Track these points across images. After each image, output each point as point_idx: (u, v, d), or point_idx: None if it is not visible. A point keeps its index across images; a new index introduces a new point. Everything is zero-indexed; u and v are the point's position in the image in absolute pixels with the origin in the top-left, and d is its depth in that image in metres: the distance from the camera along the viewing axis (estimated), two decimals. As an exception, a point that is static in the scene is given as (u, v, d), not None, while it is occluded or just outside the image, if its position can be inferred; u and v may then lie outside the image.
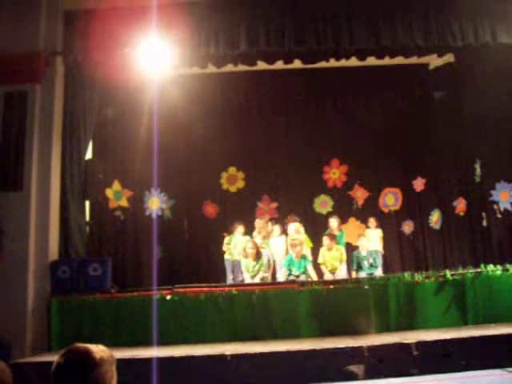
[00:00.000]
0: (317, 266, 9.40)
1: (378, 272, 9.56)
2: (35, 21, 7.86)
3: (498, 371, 5.63)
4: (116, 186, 10.05)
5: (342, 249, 9.57)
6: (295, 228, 9.88)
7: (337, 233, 10.21)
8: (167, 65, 8.52)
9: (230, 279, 10.02)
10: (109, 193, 9.78)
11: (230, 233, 10.55)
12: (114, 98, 9.73)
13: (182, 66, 8.93)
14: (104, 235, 9.59)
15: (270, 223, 10.66)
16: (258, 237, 9.95)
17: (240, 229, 10.20)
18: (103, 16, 7.77)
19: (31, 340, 6.93)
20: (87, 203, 8.73)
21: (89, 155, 8.71)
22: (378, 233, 10.96)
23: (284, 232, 10.51)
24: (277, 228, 10.35)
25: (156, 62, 8.34)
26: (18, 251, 7.15)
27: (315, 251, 9.85)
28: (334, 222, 10.34)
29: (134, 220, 10.46)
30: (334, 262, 9.25)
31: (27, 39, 7.72)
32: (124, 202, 10.12)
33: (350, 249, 10.44)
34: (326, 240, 9.39)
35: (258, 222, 10.34)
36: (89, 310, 7.17)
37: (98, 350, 1.72)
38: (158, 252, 10.44)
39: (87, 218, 8.76)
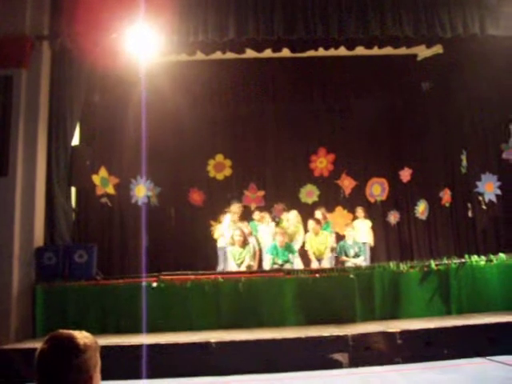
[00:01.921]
0: (304, 253, 9.48)
1: (365, 261, 9.65)
2: (21, 4, 7.73)
3: (479, 359, 5.72)
4: (103, 172, 9.99)
5: (328, 234, 9.63)
6: (296, 216, 9.94)
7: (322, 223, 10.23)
8: (155, 51, 8.45)
9: (221, 267, 9.99)
10: (95, 179, 9.73)
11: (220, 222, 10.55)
12: (102, 83, 9.63)
13: (169, 53, 8.88)
14: (90, 222, 9.54)
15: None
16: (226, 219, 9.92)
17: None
18: (91, 1, 7.67)
19: (16, 326, 6.89)
20: (73, 190, 8.66)
21: (75, 141, 8.64)
22: (367, 223, 11.00)
23: (273, 220, 10.56)
24: (267, 216, 10.37)
25: (144, 49, 8.28)
26: (3, 237, 7.10)
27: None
28: (318, 215, 10.36)
29: (121, 207, 10.43)
30: (320, 248, 9.32)
31: (13, 23, 7.61)
32: (110, 189, 10.08)
33: (338, 238, 10.47)
34: (311, 224, 9.45)
35: (235, 206, 10.29)
36: (74, 296, 7.14)
37: (82, 336, 1.72)
38: (144, 239, 10.41)
39: (73, 204, 8.70)
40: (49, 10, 8.01)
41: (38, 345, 1.70)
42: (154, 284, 7.17)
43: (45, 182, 7.71)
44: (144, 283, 7.15)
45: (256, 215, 10.61)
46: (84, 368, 1.66)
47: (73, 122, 8.24)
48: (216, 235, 10.47)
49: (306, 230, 9.84)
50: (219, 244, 10.26)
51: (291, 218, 9.95)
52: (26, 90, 7.59)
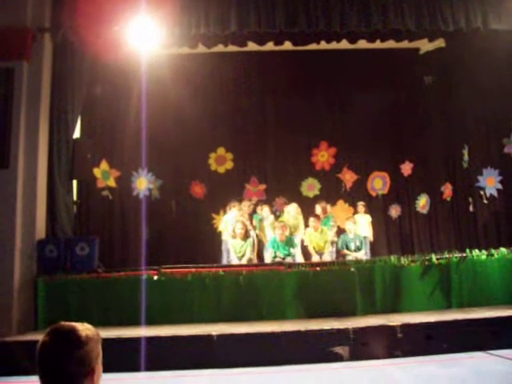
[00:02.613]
0: (304, 247, 9.49)
1: (365, 255, 9.65)
2: (23, -4, 7.72)
3: (479, 354, 5.73)
4: (104, 165, 10.00)
5: (326, 230, 9.64)
6: (295, 209, 9.94)
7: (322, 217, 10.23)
8: (157, 44, 8.44)
9: (225, 260, 10.00)
10: (97, 172, 9.74)
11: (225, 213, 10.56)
12: (103, 76, 9.64)
13: (171, 46, 8.87)
14: (91, 215, 9.56)
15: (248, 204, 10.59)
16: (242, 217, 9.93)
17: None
18: (92, -8, 7.65)
19: (17, 319, 6.92)
20: (75, 182, 8.67)
21: (77, 134, 8.64)
22: (367, 218, 11.01)
23: (273, 213, 10.55)
24: (266, 210, 10.37)
25: (146, 42, 8.27)
26: (5, 230, 7.10)
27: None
28: (318, 209, 10.36)
29: (122, 200, 10.45)
30: (320, 243, 9.34)
31: (14, 15, 7.58)
32: (112, 182, 10.09)
33: (339, 232, 10.47)
34: (312, 221, 9.47)
35: (245, 204, 10.31)
36: (75, 289, 7.15)
37: (84, 328, 1.72)
38: (145, 232, 10.43)
39: (74, 197, 8.71)
40: (50, 2, 7.99)
41: (39, 337, 1.71)
42: (155, 277, 7.18)
43: (46, 175, 7.72)
44: (145, 276, 7.16)
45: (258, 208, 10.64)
46: (86, 360, 1.66)
47: (74, 115, 8.23)
48: (220, 228, 10.49)
49: (306, 224, 9.85)
50: (223, 237, 10.27)
51: (291, 210, 9.96)
52: (27, 82, 7.57)
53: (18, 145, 7.34)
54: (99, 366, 1.74)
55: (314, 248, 9.36)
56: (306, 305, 7.16)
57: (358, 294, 7.19)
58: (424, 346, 5.86)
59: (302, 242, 9.69)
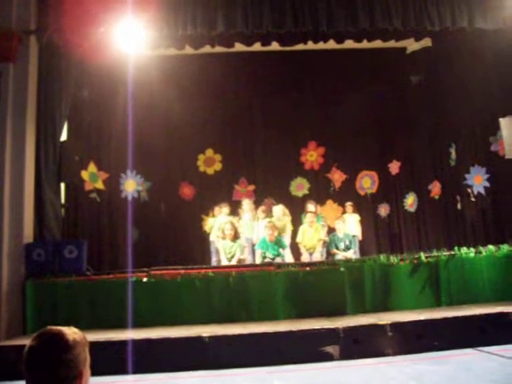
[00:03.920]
0: (295, 246, 9.50)
1: (354, 254, 9.68)
2: (7, -2, 7.66)
3: (469, 350, 5.76)
4: (91, 168, 9.94)
5: (320, 227, 9.66)
6: (281, 210, 9.93)
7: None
8: (143, 45, 8.42)
9: (213, 261, 9.99)
10: (84, 175, 9.68)
11: (213, 215, 10.54)
12: (90, 78, 9.58)
13: (158, 47, 8.84)
14: (80, 218, 9.49)
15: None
16: (245, 217, 9.94)
17: (225, 210, 10.16)
18: (78, -6, 7.60)
19: (6, 323, 6.85)
20: (62, 185, 8.61)
21: (64, 136, 8.58)
22: (356, 217, 11.05)
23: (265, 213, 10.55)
24: (260, 211, 10.36)
25: (132, 43, 8.24)
26: (-8, 234, 7.04)
27: (293, 233, 9.93)
28: (311, 207, 10.39)
29: (110, 202, 10.39)
30: (312, 241, 9.36)
31: (-1, 17, 7.54)
32: (100, 185, 10.03)
33: (329, 232, 10.49)
34: (310, 217, 9.49)
35: (248, 204, 10.29)
36: (64, 292, 7.10)
37: (71, 332, 1.71)
38: (134, 234, 10.39)
39: (62, 200, 8.65)
40: (35, 4, 7.93)
41: (28, 341, 1.69)
42: (145, 279, 7.15)
43: (34, 178, 7.65)
44: (134, 278, 7.13)
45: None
46: (73, 364, 1.65)
47: (61, 117, 8.17)
48: (207, 229, 10.49)
49: (293, 224, 9.85)
50: (212, 238, 10.25)
51: (276, 211, 9.95)
52: (13, 85, 7.51)
53: (4, 148, 7.27)
54: (87, 370, 1.73)
55: (305, 246, 9.37)
56: (296, 305, 7.16)
57: (347, 293, 7.20)
58: (414, 344, 5.88)
59: (291, 241, 9.69)
